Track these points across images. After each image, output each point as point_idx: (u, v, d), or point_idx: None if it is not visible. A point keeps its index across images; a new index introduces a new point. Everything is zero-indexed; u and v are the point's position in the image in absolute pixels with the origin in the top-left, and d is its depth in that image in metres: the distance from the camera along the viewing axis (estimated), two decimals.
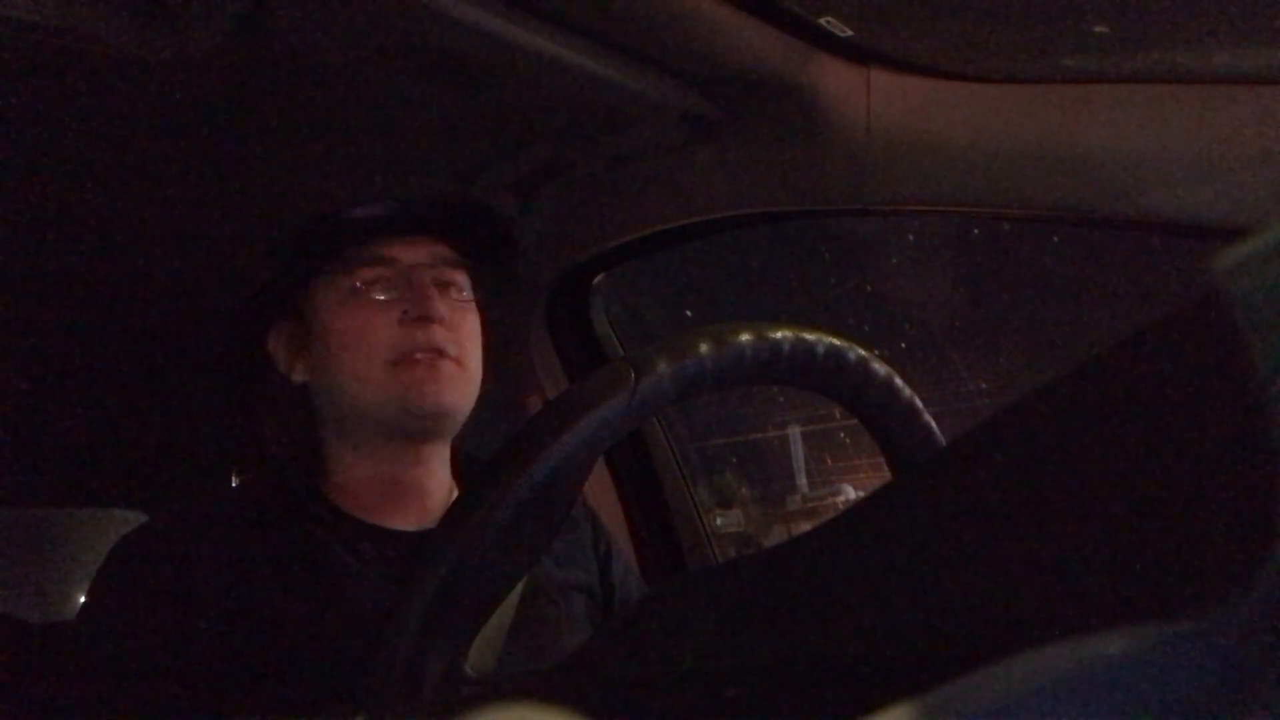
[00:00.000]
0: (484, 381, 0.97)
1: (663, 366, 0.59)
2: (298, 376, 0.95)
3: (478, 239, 0.98)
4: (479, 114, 1.13)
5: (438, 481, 0.96)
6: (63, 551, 1.29)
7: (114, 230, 1.24)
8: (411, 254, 0.93)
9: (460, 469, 1.00)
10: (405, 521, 0.93)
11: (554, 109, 1.14)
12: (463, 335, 0.93)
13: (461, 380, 0.93)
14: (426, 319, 0.90)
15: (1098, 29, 0.88)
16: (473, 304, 0.97)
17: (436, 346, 0.90)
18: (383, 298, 0.91)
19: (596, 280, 1.51)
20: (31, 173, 1.09)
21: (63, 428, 1.50)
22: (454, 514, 0.57)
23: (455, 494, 0.99)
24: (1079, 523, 0.24)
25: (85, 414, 1.51)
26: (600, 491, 1.50)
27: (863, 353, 0.69)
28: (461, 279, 0.97)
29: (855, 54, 1.04)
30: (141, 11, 0.87)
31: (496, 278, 1.03)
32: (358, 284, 0.92)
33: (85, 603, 0.88)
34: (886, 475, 0.80)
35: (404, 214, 0.95)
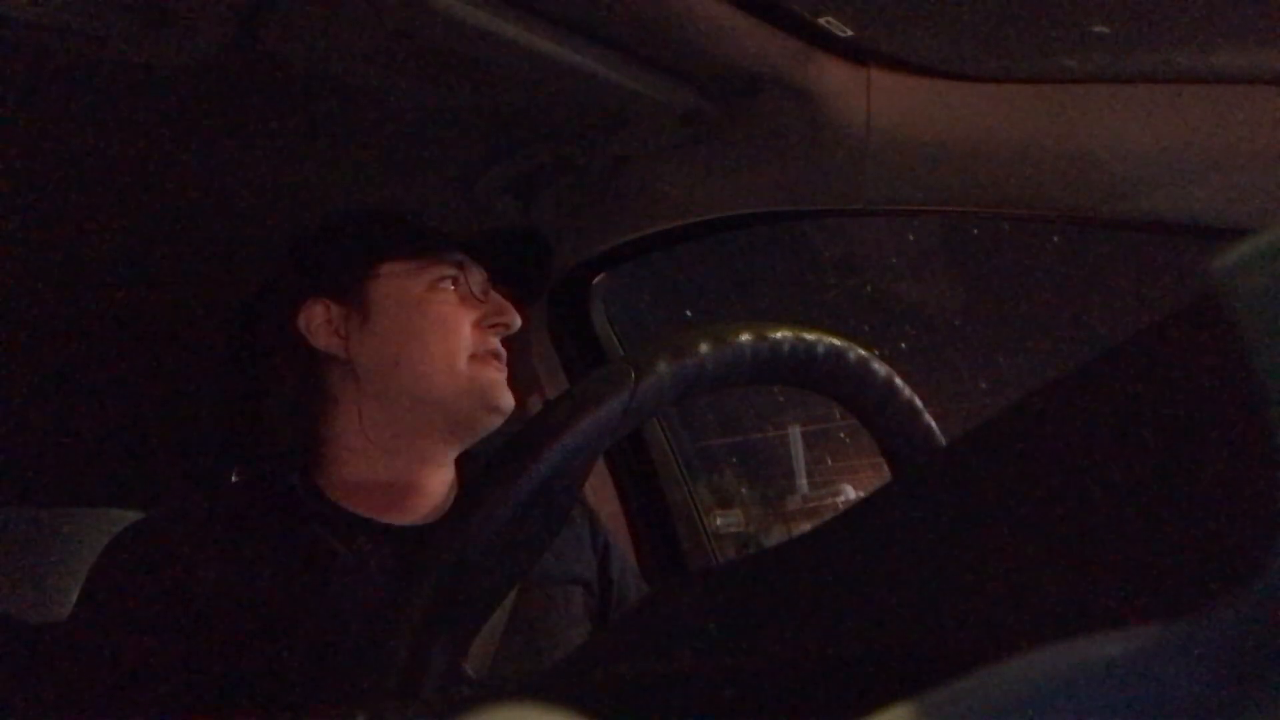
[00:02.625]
0: None
1: (663, 366, 0.59)
2: (335, 350, 0.95)
3: (522, 281, 1.09)
4: (479, 114, 1.13)
5: (441, 479, 0.97)
6: (63, 551, 1.29)
7: (114, 231, 1.24)
8: (480, 273, 1.02)
9: (462, 467, 1.00)
10: (404, 517, 0.93)
11: (554, 109, 1.14)
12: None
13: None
14: (505, 327, 0.98)
15: (1098, 29, 0.88)
16: None
17: (503, 354, 0.98)
18: (462, 299, 0.98)
19: (596, 280, 1.51)
20: (31, 174, 1.09)
21: (63, 428, 1.50)
22: (454, 513, 0.57)
23: (456, 491, 0.99)
24: (1079, 523, 0.24)
25: (85, 414, 1.51)
26: (600, 491, 1.50)
27: (863, 353, 0.69)
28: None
29: (855, 54, 1.04)
30: (142, 13, 0.87)
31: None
32: (441, 280, 0.97)
33: (79, 599, 0.87)
34: (886, 475, 0.80)
35: (483, 242, 1.05)
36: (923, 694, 0.19)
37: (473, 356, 0.95)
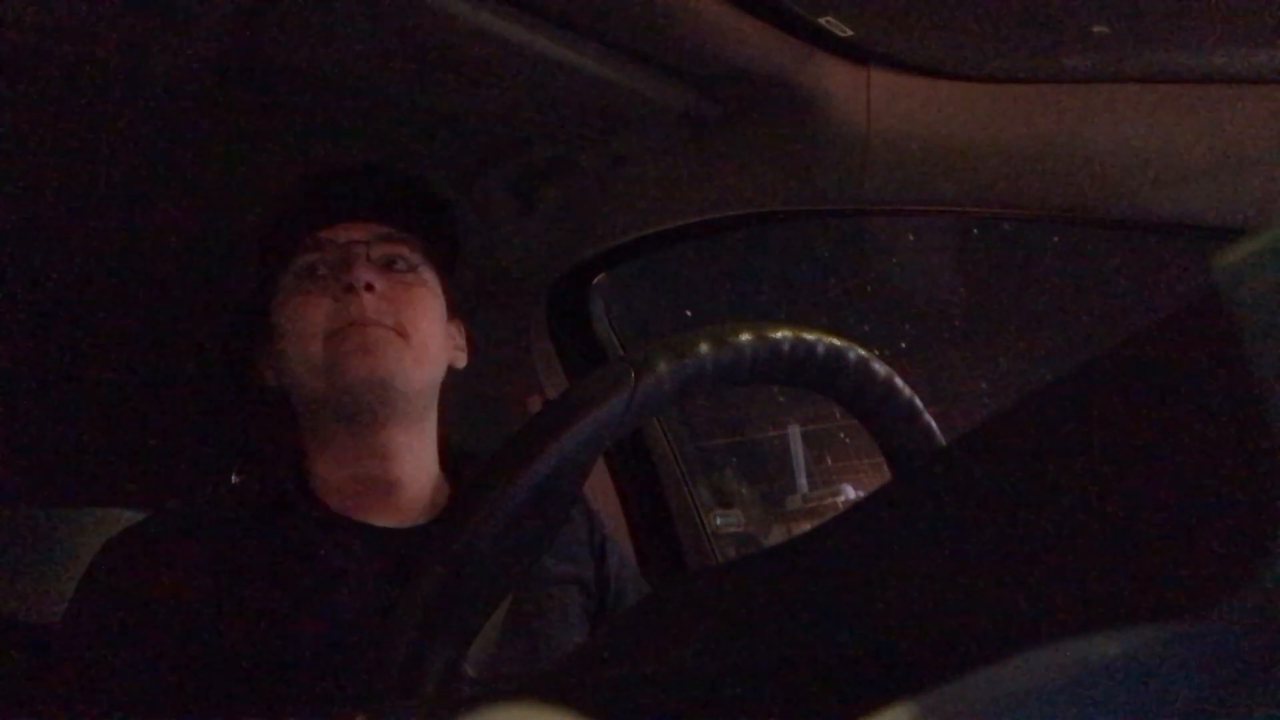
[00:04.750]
0: (483, 382, 0.97)
1: (663, 366, 0.59)
2: (269, 381, 0.95)
3: (416, 213, 0.98)
4: (479, 114, 1.13)
5: (415, 473, 0.95)
6: (63, 551, 1.29)
7: (115, 231, 1.24)
8: (348, 233, 0.92)
9: (452, 465, 1.00)
10: (389, 518, 0.93)
11: (554, 109, 1.14)
12: (404, 306, 0.91)
13: (401, 350, 0.90)
14: (352, 288, 0.88)
15: (1098, 29, 0.88)
16: (423, 279, 0.95)
17: (367, 317, 0.88)
18: (322, 279, 0.91)
19: (596, 280, 1.51)
20: (31, 175, 1.09)
21: (63, 428, 1.50)
22: (454, 514, 0.57)
23: (447, 490, 0.98)
24: (1079, 523, 0.24)
25: (85, 414, 1.51)
26: (600, 491, 1.50)
27: (863, 353, 0.69)
28: (407, 254, 0.95)
29: (855, 54, 1.04)
30: (142, 14, 0.87)
31: (444, 250, 1.01)
32: (299, 271, 0.91)
33: (70, 604, 0.87)
34: (886, 475, 0.80)
35: (329, 198, 0.95)
36: (923, 694, 0.19)
37: (329, 335, 0.88)
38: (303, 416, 0.94)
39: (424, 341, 0.92)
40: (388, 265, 0.93)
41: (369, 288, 0.89)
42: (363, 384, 0.88)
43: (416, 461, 0.95)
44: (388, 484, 0.93)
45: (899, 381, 0.71)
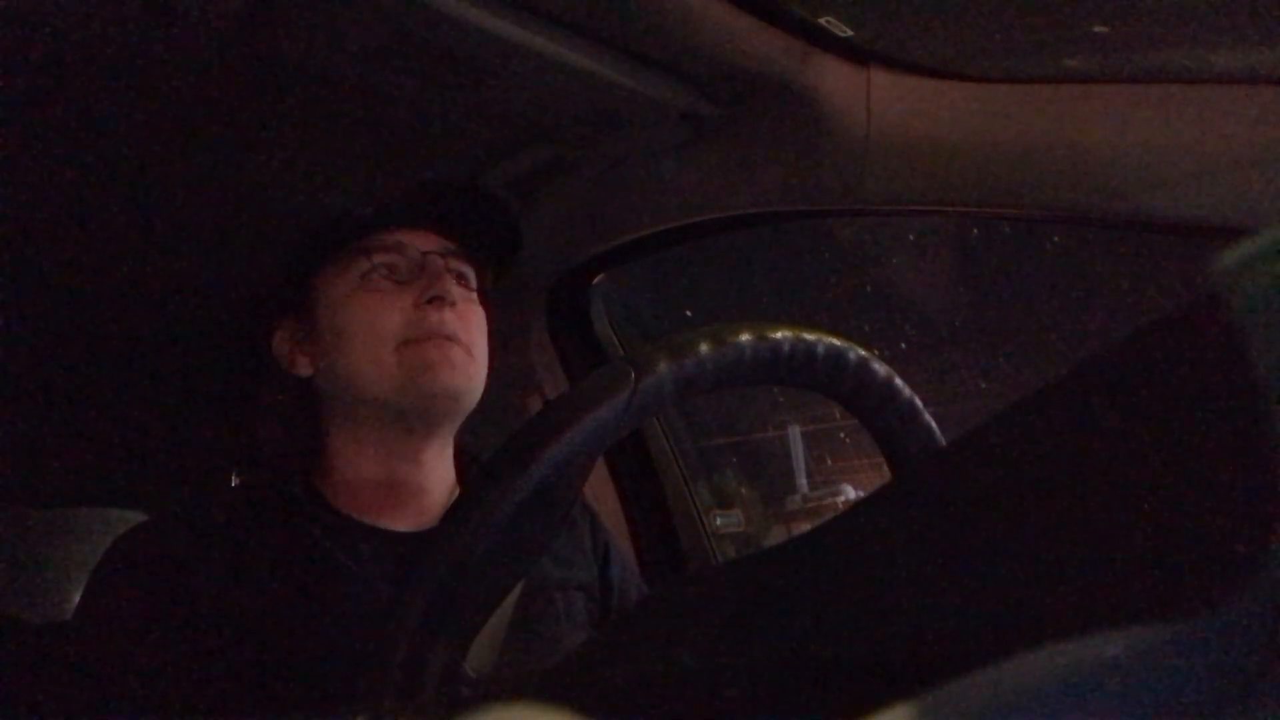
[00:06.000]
0: (484, 381, 0.97)
1: (663, 366, 0.59)
2: (302, 371, 0.94)
3: (484, 233, 0.99)
4: (479, 114, 1.13)
5: (438, 480, 0.96)
6: (63, 551, 1.29)
7: (115, 230, 1.24)
8: (424, 242, 0.94)
9: (462, 467, 1.00)
10: (404, 522, 0.93)
11: (554, 109, 1.14)
12: (472, 324, 0.94)
13: (470, 367, 0.92)
14: (440, 301, 0.90)
15: (1098, 29, 0.88)
16: (479, 301, 0.98)
17: (448, 331, 0.90)
18: (395, 283, 0.91)
19: (596, 280, 1.51)
20: (33, 172, 1.10)
21: (63, 428, 1.50)
22: (454, 514, 0.57)
23: (458, 495, 0.98)
24: (1079, 523, 0.24)
25: (85, 414, 1.51)
26: (600, 491, 1.50)
27: (863, 353, 0.69)
28: (470, 273, 0.97)
29: (855, 54, 1.04)
30: (142, 13, 0.87)
31: (499, 275, 1.04)
32: (370, 270, 0.92)
33: (81, 602, 0.87)
34: (886, 475, 0.80)
35: (415, 204, 0.96)
36: (923, 694, 0.19)
37: (405, 343, 0.89)
38: (340, 412, 0.94)
39: (483, 359, 0.95)
40: (457, 281, 0.95)
41: (452, 304, 0.91)
42: (438, 396, 0.89)
43: (441, 470, 0.97)
44: (414, 489, 0.94)
45: (899, 381, 0.71)
